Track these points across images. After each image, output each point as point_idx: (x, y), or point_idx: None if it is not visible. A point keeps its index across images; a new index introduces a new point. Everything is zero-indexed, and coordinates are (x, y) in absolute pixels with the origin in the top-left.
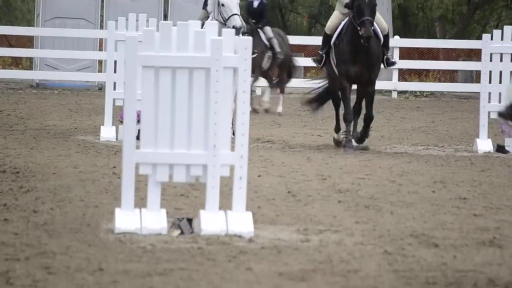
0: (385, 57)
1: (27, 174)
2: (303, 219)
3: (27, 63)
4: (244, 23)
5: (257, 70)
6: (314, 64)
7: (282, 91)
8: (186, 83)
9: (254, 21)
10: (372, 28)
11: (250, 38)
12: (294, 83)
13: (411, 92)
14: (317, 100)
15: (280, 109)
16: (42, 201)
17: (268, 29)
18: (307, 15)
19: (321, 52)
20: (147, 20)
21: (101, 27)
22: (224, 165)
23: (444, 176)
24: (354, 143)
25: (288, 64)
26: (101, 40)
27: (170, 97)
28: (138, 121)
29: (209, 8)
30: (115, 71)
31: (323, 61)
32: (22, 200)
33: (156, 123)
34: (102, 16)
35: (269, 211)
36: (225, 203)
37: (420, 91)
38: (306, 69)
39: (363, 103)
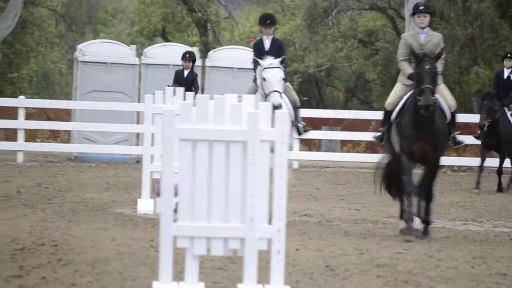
0: (451, 135)
1: (66, 247)
2: None
3: (65, 136)
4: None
5: None
6: (348, 138)
7: None
8: (223, 156)
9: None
10: (434, 98)
11: (287, 112)
12: (331, 156)
13: (449, 166)
14: (392, 184)
15: None
16: (81, 274)
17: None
18: (344, 89)
19: (381, 129)
20: (184, 93)
21: (139, 100)
22: (262, 238)
23: (483, 252)
24: (417, 223)
25: None
26: (138, 113)
27: (207, 170)
28: (175, 194)
29: (258, 81)
30: (152, 144)
31: (384, 139)
32: (61, 273)
33: (193, 196)
34: (139, 89)
35: (307, 285)
36: (264, 277)
37: (457, 166)
38: (343, 142)
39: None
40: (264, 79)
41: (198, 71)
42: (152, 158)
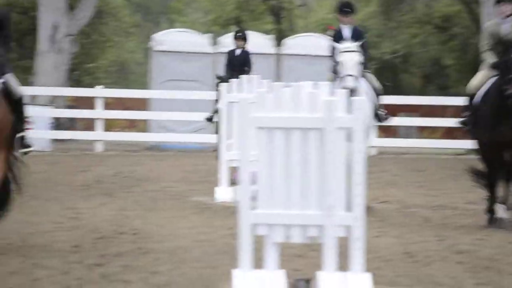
0: None
1: (145, 235)
2: (423, 281)
3: (143, 126)
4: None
5: None
6: (425, 124)
7: None
8: (299, 144)
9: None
10: None
11: (363, 99)
12: (408, 143)
13: None
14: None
15: None
16: (161, 262)
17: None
18: (420, 74)
19: (466, 114)
20: (260, 82)
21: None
22: (341, 225)
23: None
24: (502, 211)
25: None
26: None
27: (284, 158)
28: (252, 182)
29: (335, 66)
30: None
31: (469, 123)
32: (141, 261)
33: (272, 183)
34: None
35: (387, 272)
36: (343, 264)
37: None
38: (420, 129)
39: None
40: (340, 63)
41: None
42: (229, 146)
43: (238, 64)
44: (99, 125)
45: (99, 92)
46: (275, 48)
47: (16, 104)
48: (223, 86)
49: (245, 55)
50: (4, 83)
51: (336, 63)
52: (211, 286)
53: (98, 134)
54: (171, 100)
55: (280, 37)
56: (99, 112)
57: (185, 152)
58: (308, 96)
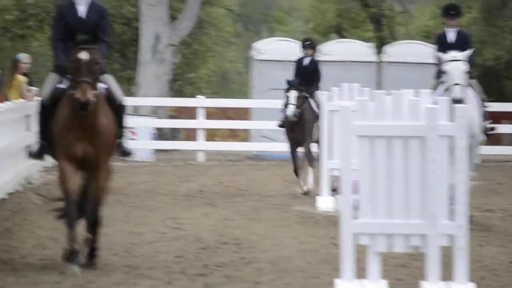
0: None
1: (248, 245)
2: None
3: (244, 135)
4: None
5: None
6: None
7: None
8: (401, 152)
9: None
10: None
11: (466, 107)
12: None
13: None
14: None
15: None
16: (263, 272)
17: (317, 94)
18: None
19: None
20: (361, 90)
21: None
22: (444, 234)
23: None
24: None
25: None
26: None
27: (386, 166)
28: (354, 191)
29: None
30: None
31: None
32: (244, 271)
33: (373, 192)
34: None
35: (492, 282)
36: (447, 274)
37: None
38: None
39: None
40: (446, 72)
41: (369, 66)
42: (330, 155)
43: (306, 74)
44: (201, 135)
45: (200, 102)
46: (376, 56)
47: (117, 110)
48: (324, 94)
49: (314, 65)
50: (106, 88)
51: (441, 71)
52: None
53: (200, 144)
54: (273, 109)
55: (380, 44)
56: (201, 122)
57: (287, 161)
58: (409, 104)
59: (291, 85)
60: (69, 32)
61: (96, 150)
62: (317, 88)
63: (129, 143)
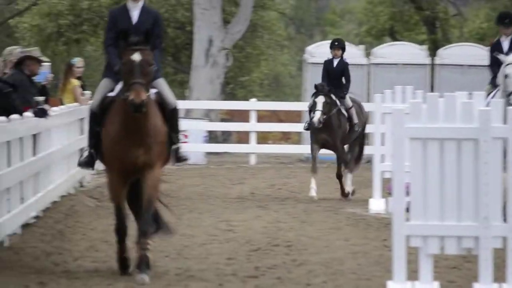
0: None
1: (300, 247)
2: None
3: (296, 138)
4: None
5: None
6: None
7: (350, 170)
8: (454, 154)
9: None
10: None
11: None
12: None
13: None
14: None
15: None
16: (315, 274)
17: (347, 98)
18: None
19: None
20: (414, 92)
21: (368, 100)
22: (496, 236)
23: None
24: None
25: (362, 140)
26: (368, 113)
27: (438, 169)
28: (407, 193)
29: (498, 80)
30: (382, 144)
31: None
32: (296, 273)
33: (425, 195)
34: (368, 89)
35: None
36: (500, 276)
37: None
38: None
39: None
40: (506, 76)
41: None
42: (382, 157)
43: (335, 75)
44: (253, 138)
45: (253, 105)
46: (429, 59)
47: (170, 115)
48: (377, 97)
49: (343, 66)
50: (157, 93)
51: (497, 75)
52: None
53: (252, 146)
54: None
55: (434, 47)
56: (253, 125)
57: None
58: (462, 106)
59: (319, 90)
60: (122, 37)
61: (147, 155)
62: (347, 91)
63: (184, 149)
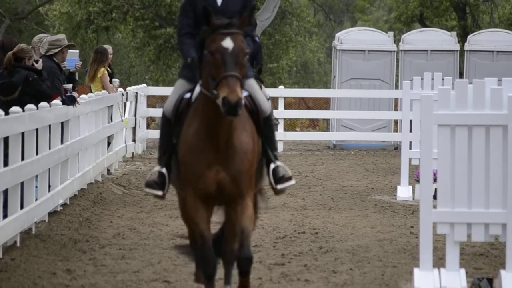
0: None
1: (326, 234)
2: None
3: (324, 125)
4: None
5: None
6: None
7: None
8: (482, 141)
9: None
10: None
11: None
12: None
13: None
14: None
15: None
16: (341, 262)
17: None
18: None
19: None
20: (442, 79)
21: (396, 87)
22: None
23: None
24: None
25: None
26: (396, 99)
27: (466, 156)
28: (435, 180)
29: None
30: (410, 131)
31: None
32: (322, 261)
33: (453, 182)
34: (397, 76)
35: None
36: None
37: None
38: None
39: None
40: None
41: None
42: (410, 144)
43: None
44: (281, 125)
45: (281, 92)
46: (459, 45)
47: (264, 125)
48: (405, 84)
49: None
50: (248, 97)
51: None
52: (392, 285)
53: (280, 134)
54: (353, 99)
55: (464, 33)
56: (281, 112)
57: (366, 150)
58: (491, 93)
59: None
60: (201, 24)
61: (235, 176)
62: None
63: (285, 170)
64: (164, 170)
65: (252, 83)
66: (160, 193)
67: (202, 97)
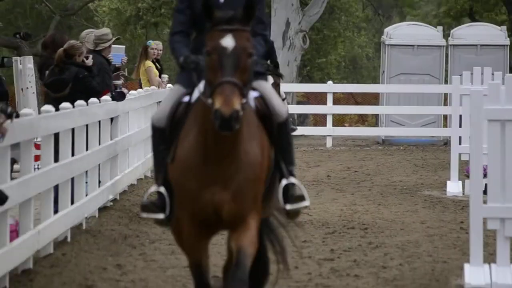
0: None
1: (375, 230)
2: None
3: (373, 120)
4: None
5: None
6: None
7: None
8: None
9: None
10: None
11: None
12: None
13: None
14: None
15: None
16: (391, 257)
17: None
18: None
19: None
20: (492, 74)
21: (446, 81)
22: None
23: None
24: None
25: None
26: (445, 95)
27: None
28: (485, 175)
29: None
30: (460, 126)
31: None
32: (371, 256)
33: (503, 177)
34: (446, 71)
35: None
36: None
37: None
38: None
39: None
40: None
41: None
42: (460, 139)
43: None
44: (329, 120)
45: (329, 87)
46: (509, 40)
47: (278, 132)
48: (455, 78)
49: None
50: (258, 98)
51: None
52: (442, 280)
53: (328, 129)
54: (402, 94)
55: None
56: (330, 108)
57: (416, 146)
58: None
59: None
60: (198, 23)
61: (236, 194)
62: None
63: (300, 189)
64: (162, 189)
65: (264, 84)
66: (161, 216)
67: (201, 104)
